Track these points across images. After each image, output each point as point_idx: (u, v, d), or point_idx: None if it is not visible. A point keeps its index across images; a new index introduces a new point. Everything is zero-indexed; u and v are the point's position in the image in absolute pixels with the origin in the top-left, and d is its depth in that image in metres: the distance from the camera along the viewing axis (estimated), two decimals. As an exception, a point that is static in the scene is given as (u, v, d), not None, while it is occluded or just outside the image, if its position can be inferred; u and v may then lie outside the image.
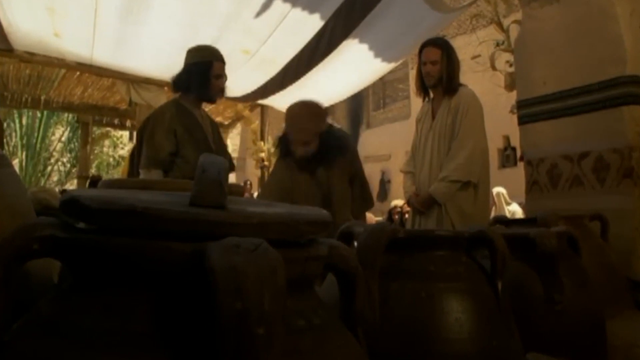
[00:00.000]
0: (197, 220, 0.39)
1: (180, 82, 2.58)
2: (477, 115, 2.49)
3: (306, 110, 2.38)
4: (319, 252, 0.46)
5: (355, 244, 0.82)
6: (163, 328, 0.38)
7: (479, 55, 7.70)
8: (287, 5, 3.95)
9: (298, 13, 4.04)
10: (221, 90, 2.62)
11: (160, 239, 0.39)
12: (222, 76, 2.60)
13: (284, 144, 2.41)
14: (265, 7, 3.91)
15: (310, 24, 4.22)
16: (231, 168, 2.78)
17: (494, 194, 6.85)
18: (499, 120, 7.04)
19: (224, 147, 2.81)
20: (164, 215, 0.39)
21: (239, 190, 1.18)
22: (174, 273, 0.39)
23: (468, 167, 2.40)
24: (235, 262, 0.35)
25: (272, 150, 6.55)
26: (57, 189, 9.31)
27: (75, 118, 7.41)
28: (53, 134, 11.55)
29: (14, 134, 10.66)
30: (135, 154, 2.59)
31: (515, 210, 6.61)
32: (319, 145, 2.29)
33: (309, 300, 0.47)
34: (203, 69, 2.53)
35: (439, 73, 2.53)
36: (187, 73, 2.56)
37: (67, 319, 0.40)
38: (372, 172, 12.23)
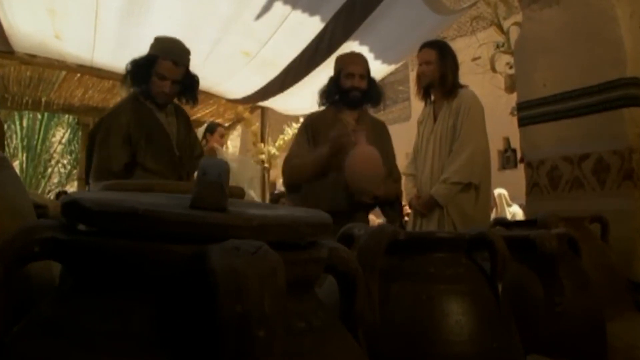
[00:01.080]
0: (198, 223, 0.39)
1: (127, 72, 2.28)
2: (479, 117, 2.51)
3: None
4: (319, 254, 0.47)
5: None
6: (163, 330, 0.38)
7: (479, 57, 7.70)
8: (288, 8, 3.96)
9: (298, 15, 4.04)
10: (165, 94, 2.25)
11: (161, 241, 0.39)
12: (166, 78, 2.22)
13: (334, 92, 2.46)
14: (265, 9, 3.92)
15: (311, 26, 4.23)
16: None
17: (495, 195, 6.86)
18: (499, 122, 7.04)
19: (192, 147, 2.49)
20: (164, 218, 0.39)
21: (239, 193, 1.18)
22: (174, 275, 0.39)
23: (469, 168, 2.41)
24: (236, 264, 0.35)
25: (272, 152, 6.56)
26: (57, 190, 9.31)
27: (76, 120, 7.41)
28: (54, 135, 11.56)
29: (14, 136, 10.68)
30: (86, 160, 2.31)
31: (515, 211, 6.62)
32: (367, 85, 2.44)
33: (309, 302, 0.47)
34: (146, 62, 2.24)
35: (432, 73, 2.56)
36: (133, 63, 2.28)
37: (67, 321, 0.40)
38: (372, 174, 12.22)
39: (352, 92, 2.41)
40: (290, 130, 6.71)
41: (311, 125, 2.51)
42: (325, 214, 0.49)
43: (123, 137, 2.18)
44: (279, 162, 6.03)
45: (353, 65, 2.44)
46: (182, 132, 2.42)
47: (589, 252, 1.25)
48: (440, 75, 2.55)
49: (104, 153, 2.17)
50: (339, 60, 2.56)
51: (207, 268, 0.35)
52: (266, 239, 0.39)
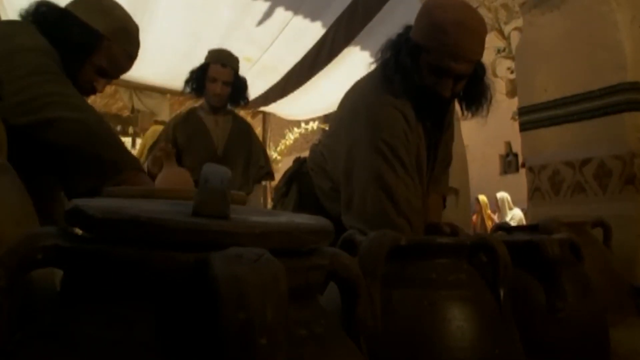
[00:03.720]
0: (200, 230, 0.39)
1: (185, 81, 2.58)
2: (457, 125, 2.53)
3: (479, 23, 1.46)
4: (321, 261, 0.47)
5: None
6: (166, 338, 0.38)
7: (480, 62, 7.71)
8: (289, 14, 3.98)
9: (300, 21, 4.06)
10: (217, 95, 2.51)
11: (164, 248, 0.39)
12: (217, 80, 2.48)
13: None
14: (267, 15, 3.94)
15: (312, 32, 4.25)
16: (268, 175, 2.88)
17: (498, 198, 6.86)
18: (501, 126, 7.03)
19: (251, 154, 2.67)
20: (167, 225, 0.39)
21: (241, 200, 1.18)
22: (176, 283, 0.39)
23: (451, 173, 2.43)
24: (238, 272, 0.35)
25: (274, 156, 6.57)
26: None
27: (78, 125, 7.42)
28: (56, 141, 11.55)
29: (16, 141, 10.69)
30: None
31: (515, 213, 6.65)
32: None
33: (311, 309, 0.47)
34: (200, 70, 2.53)
35: None
36: (190, 72, 2.56)
37: (69, 329, 0.40)
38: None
39: (432, 97, 1.48)
40: (292, 135, 6.72)
41: (390, 140, 1.45)
42: (327, 220, 0.49)
43: (166, 138, 2.47)
44: (281, 167, 6.03)
45: (457, 57, 1.40)
46: (235, 137, 2.61)
47: (591, 257, 1.24)
48: None
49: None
50: (438, 30, 1.42)
51: (209, 275, 0.36)
52: (268, 246, 0.39)
